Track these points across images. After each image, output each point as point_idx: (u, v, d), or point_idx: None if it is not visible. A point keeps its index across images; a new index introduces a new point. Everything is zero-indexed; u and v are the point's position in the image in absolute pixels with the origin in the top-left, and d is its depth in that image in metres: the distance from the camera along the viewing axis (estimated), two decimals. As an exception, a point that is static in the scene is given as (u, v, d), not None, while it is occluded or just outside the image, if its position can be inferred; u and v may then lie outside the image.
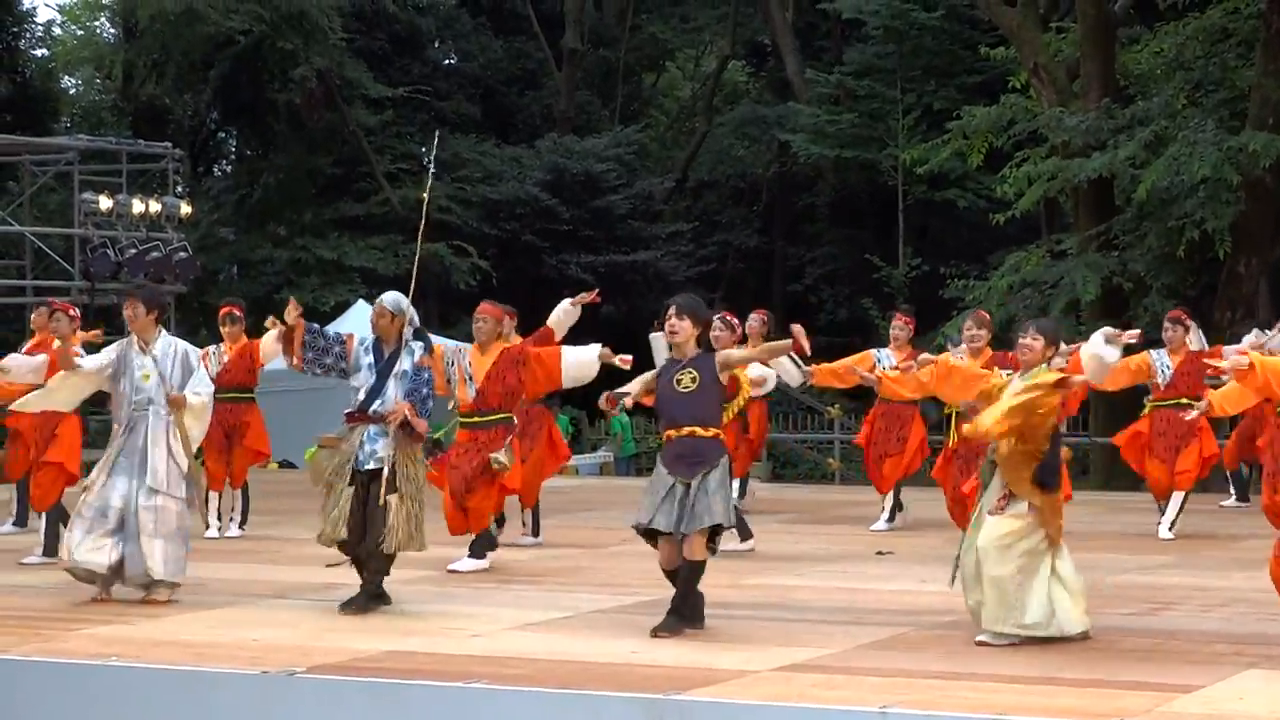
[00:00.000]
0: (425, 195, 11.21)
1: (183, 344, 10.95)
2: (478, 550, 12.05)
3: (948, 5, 31.15)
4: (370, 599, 10.16)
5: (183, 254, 24.10)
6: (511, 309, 13.11)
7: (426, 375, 10.40)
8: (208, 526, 13.60)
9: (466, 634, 9.35)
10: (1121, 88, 23.73)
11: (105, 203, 23.71)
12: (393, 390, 10.27)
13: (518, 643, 9.06)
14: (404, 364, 10.30)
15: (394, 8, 32.75)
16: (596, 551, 13.28)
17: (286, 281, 30.53)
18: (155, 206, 24.17)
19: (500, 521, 13.13)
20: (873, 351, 14.97)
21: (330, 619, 9.98)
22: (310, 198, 32.65)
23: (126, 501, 10.54)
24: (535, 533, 13.68)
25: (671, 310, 9.46)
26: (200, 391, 10.77)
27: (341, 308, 28.58)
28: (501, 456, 11.85)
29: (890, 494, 14.89)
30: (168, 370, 10.71)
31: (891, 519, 14.78)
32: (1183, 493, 14.23)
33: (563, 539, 13.86)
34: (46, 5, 58.99)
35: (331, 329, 10.85)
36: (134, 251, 23.48)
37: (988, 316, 12.77)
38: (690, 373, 9.35)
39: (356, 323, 26.03)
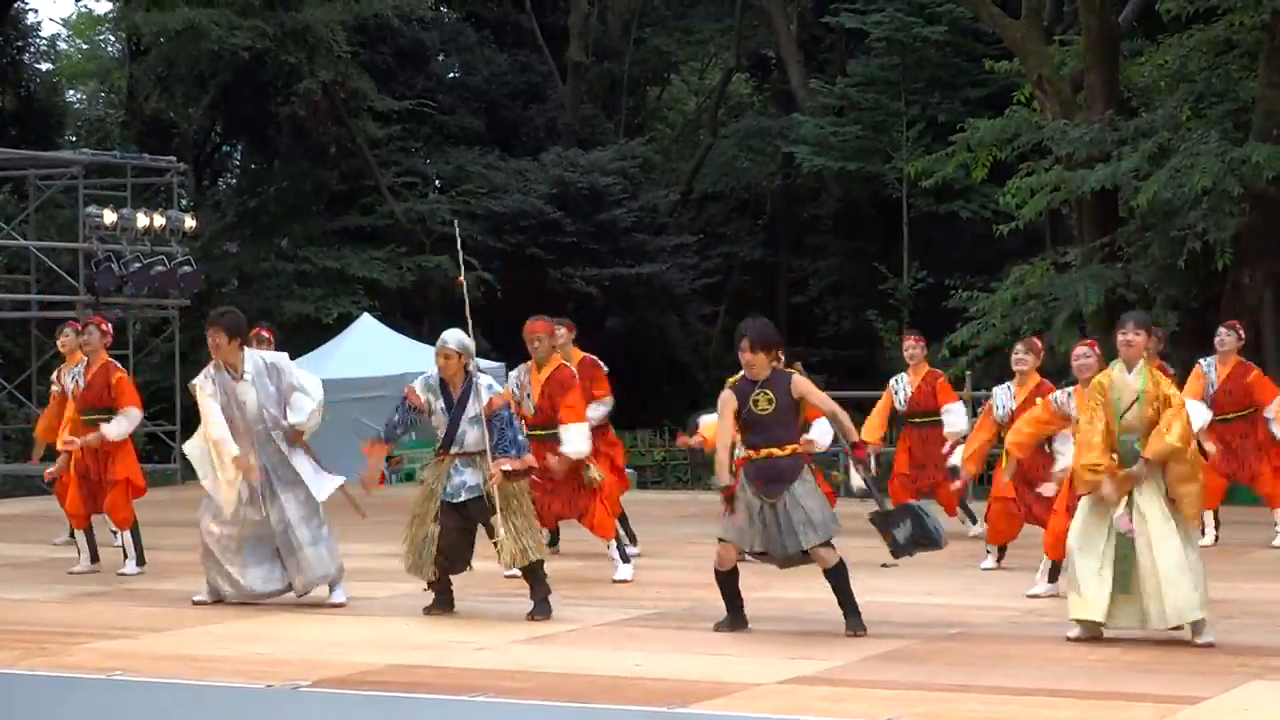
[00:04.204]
0: (462, 280, 11.26)
1: (270, 356, 11.26)
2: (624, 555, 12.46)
3: (951, 18, 31.14)
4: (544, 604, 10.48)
5: (187, 267, 24.10)
6: (568, 321, 13.30)
7: (508, 414, 10.54)
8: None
9: (472, 647, 9.35)
10: (1125, 100, 23.70)
11: (110, 217, 23.69)
12: (468, 432, 10.42)
13: (523, 656, 9.06)
14: (475, 408, 10.39)
15: (397, 22, 32.75)
16: (602, 564, 13.25)
17: (290, 293, 30.53)
18: (160, 220, 24.15)
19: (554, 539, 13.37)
20: (891, 383, 15.16)
21: (335, 633, 9.98)
22: (314, 210, 32.66)
23: (278, 522, 10.95)
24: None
25: (746, 344, 9.71)
26: (302, 408, 11.01)
27: (344, 319, 28.56)
28: (594, 471, 12.31)
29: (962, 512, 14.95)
30: (265, 389, 10.99)
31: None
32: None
33: (569, 551, 13.85)
34: (51, 19, 59.14)
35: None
36: (139, 265, 23.48)
37: (1039, 344, 12.73)
38: (766, 394, 9.66)
39: (361, 337, 26.16)
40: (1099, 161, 21.52)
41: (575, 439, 12.27)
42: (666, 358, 34.44)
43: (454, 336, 10.53)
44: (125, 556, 12.91)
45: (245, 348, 11.14)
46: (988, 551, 12.84)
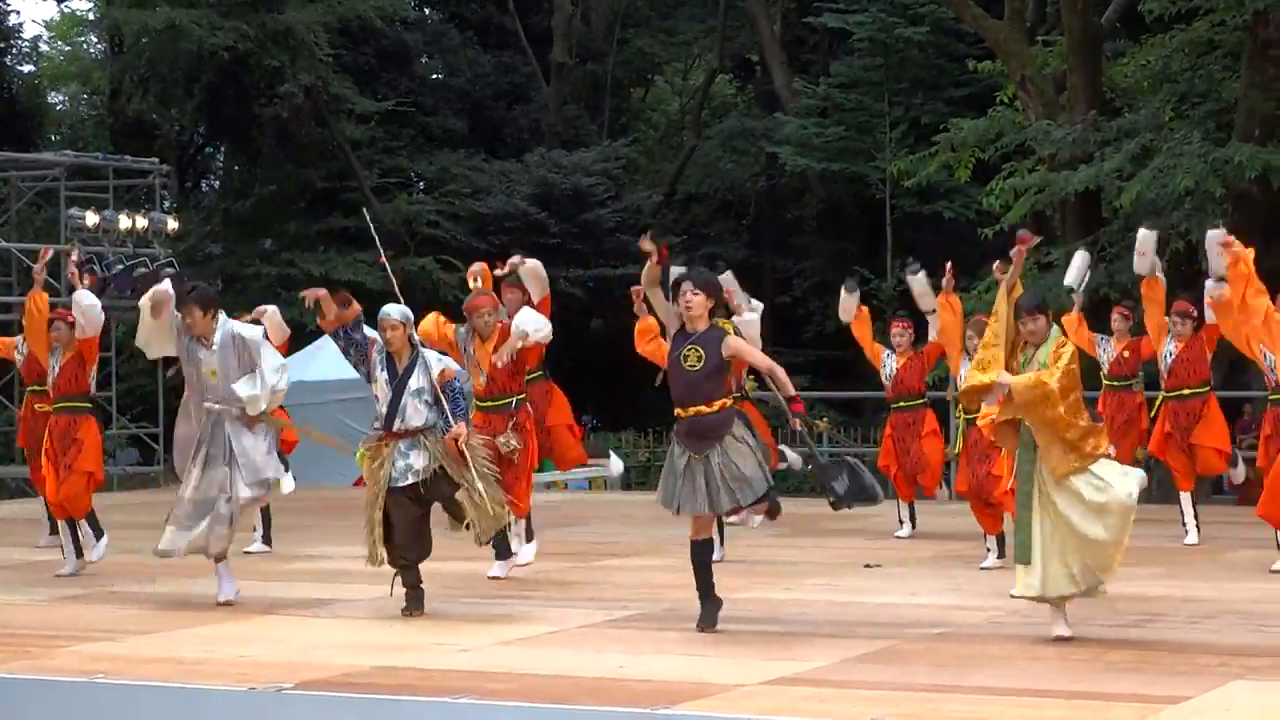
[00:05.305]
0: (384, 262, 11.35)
1: (240, 328, 11.26)
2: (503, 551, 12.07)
3: (933, 19, 31.16)
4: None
5: (169, 269, 24.04)
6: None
7: (459, 385, 10.55)
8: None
9: (455, 649, 9.34)
10: (1108, 100, 23.73)
11: (92, 218, 23.65)
12: (410, 406, 10.35)
13: (506, 657, 9.05)
14: (420, 380, 10.35)
15: (380, 24, 32.71)
16: (585, 565, 13.28)
17: (273, 296, 30.44)
18: (142, 222, 24.11)
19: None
20: (883, 354, 15.15)
21: (318, 635, 9.96)
22: (297, 212, 32.61)
23: (221, 490, 11.02)
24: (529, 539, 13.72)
25: (687, 285, 9.68)
26: (247, 385, 10.98)
27: (330, 323, 28.49)
28: (513, 440, 12.05)
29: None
30: (229, 362, 11.02)
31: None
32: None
33: (551, 552, 13.84)
34: (33, 21, 59.04)
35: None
36: (121, 267, 23.43)
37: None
38: (696, 350, 9.61)
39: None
40: (1082, 162, 21.55)
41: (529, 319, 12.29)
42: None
43: (395, 308, 10.53)
44: (88, 544, 13.02)
45: (219, 317, 11.18)
46: (988, 550, 12.71)
